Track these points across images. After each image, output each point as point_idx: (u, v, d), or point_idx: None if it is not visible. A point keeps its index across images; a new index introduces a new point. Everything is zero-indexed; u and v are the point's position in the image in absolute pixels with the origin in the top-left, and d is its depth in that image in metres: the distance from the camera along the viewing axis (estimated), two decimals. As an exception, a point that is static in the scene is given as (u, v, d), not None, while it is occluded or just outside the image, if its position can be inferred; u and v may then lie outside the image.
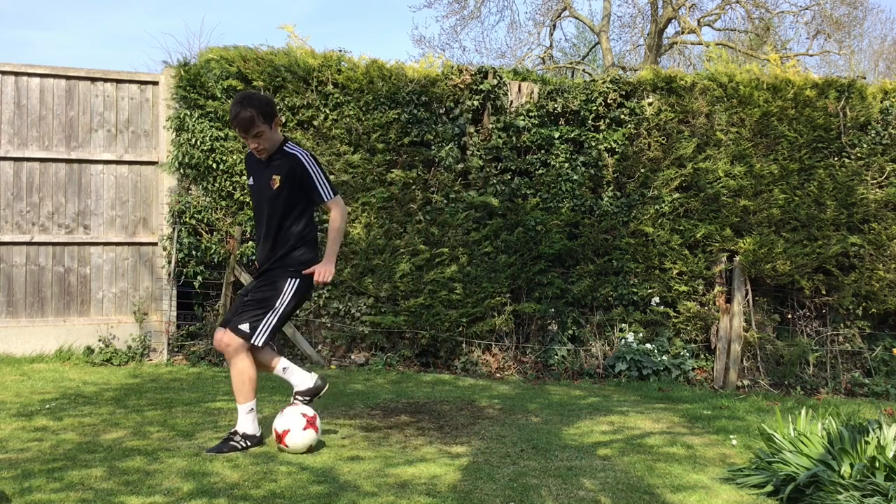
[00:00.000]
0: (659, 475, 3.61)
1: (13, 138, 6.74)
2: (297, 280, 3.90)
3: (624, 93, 7.14)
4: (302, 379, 4.02)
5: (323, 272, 3.83)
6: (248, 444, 3.87)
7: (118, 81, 7.02)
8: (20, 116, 6.77)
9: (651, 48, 17.48)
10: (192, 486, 3.26)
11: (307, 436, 3.79)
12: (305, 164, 3.88)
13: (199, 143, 6.78)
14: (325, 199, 3.90)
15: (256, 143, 3.84)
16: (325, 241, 3.93)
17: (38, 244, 6.78)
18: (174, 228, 6.82)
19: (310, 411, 3.85)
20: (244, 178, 6.81)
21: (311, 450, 3.82)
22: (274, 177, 3.86)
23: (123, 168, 7.01)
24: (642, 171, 7.03)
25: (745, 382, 6.76)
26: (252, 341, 3.84)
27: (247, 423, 3.89)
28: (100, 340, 6.72)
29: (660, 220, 7.01)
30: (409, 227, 6.92)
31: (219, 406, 4.91)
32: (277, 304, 3.88)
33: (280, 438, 3.79)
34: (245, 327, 3.82)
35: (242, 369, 3.85)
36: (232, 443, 3.84)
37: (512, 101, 7.20)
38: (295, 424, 3.78)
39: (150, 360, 6.75)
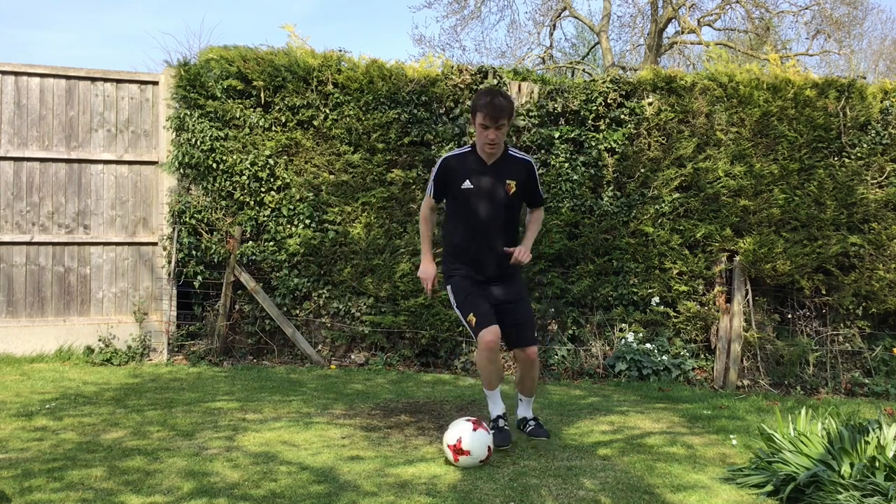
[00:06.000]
0: (659, 475, 3.61)
1: (13, 138, 6.75)
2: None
3: (624, 93, 7.14)
4: None
5: (524, 254, 3.99)
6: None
7: (118, 81, 7.02)
8: (20, 116, 6.77)
9: (651, 48, 17.48)
10: (193, 485, 3.26)
11: (479, 435, 3.64)
12: (535, 169, 4.11)
13: (199, 142, 6.79)
14: (541, 204, 4.25)
15: (496, 136, 3.88)
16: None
17: (38, 244, 6.79)
18: (174, 228, 6.82)
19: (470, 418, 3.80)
20: (244, 178, 6.81)
21: (490, 451, 3.68)
22: (509, 182, 3.98)
23: (123, 168, 7.01)
24: (642, 171, 7.03)
25: (745, 382, 6.76)
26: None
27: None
28: (100, 340, 6.72)
29: (660, 220, 7.01)
30: (409, 226, 6.92)
31: (219, 406, 4.92)
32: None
33: (458, 451, 3.62)
34: (537, 335, 4.37)
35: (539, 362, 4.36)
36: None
37: (512, 101, 7.19)
38: (464, 429, 3.65)
39: (150, 359, 6.75)
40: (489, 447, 3.68)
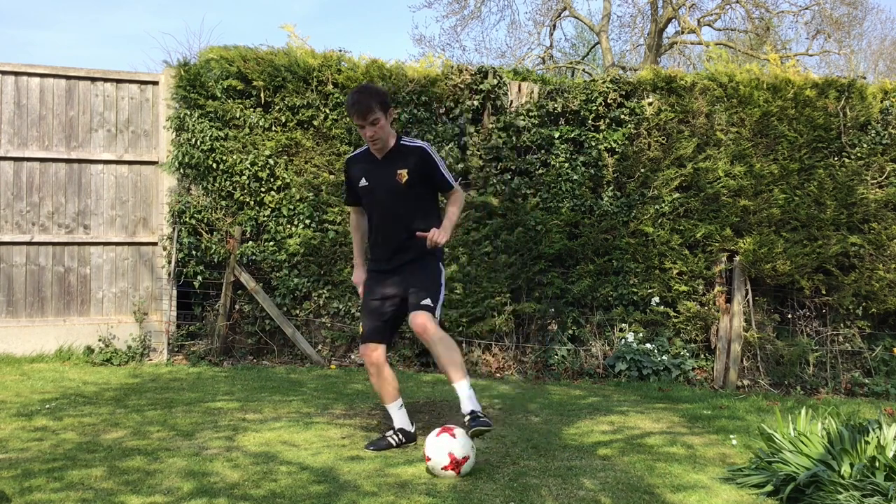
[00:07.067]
0: (659, 475, 3.61)
1: (13, 138, 6.75)
2: (443, 265, 4.02)
3: (624, 93, 7.13)
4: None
5: (440, 234, 3.78)
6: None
7: (118, 81, 7.02)
8: (20, 116, 6.77)
9: (651, 48, 17.48)
10: (193, 485, 3.26)
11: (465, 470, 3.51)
12: (431, 153, 3.95)
13: (199, 142, 6.79)
14: (451, 188, 4.00)
15: (373, 131, 3.82)
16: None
17: (38, 244, 6.78)
18: (174, 228, 6.82)
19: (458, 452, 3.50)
20: (244, 178, 6.81)
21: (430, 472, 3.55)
22: (399, 171, 3.88)
23: (123, 168, 7.01)
24: (642, 171, 7.03)
25: (745, 382, 6.76)
26: (436, 312, 3.82)
27: (471, 398, 3.72)
28: (100, 340, 6.72)
29: (660, 220, 7.01)
30: (409, 226, 6.92)
31: (219, 406, 4.92)
32: (441, 283, 3.94)
33: (457, 465, 3.48)
34: (427, 301, 3.80)
35: (445, 337, 3.77)
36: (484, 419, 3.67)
37: (512, 101, 7.19)
38: (447, 476, 3.50)
39: (150, 359, 6.75)
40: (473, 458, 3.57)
